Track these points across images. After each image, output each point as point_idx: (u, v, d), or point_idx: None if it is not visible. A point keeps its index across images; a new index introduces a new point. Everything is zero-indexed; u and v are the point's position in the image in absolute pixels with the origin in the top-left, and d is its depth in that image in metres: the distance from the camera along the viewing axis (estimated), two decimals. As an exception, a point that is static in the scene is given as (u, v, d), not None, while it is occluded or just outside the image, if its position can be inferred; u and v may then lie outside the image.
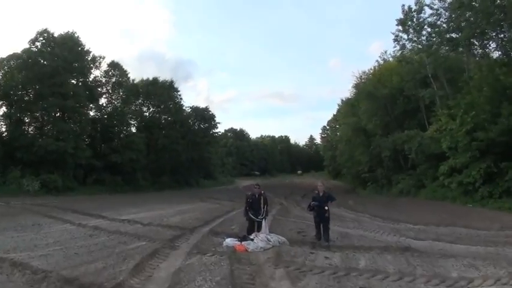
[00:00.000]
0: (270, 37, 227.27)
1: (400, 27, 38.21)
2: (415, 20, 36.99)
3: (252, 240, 12.81)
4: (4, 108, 37.81)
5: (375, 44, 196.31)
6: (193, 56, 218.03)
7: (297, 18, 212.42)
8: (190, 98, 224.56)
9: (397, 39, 38.82)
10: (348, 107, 54.98)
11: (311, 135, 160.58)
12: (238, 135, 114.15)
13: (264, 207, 13.71)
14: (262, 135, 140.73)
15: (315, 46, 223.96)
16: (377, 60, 50.37)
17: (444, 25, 33.41)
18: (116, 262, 10.16)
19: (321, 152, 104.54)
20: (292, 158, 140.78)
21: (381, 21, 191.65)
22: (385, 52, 67.82)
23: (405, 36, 38.32)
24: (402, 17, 37.88)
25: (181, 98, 60.40)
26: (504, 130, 23.61)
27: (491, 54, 29.73)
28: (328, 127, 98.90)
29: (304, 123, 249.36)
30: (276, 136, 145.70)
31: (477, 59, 31.20)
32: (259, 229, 13.44)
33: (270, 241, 12.80)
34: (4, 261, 9.64)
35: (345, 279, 9.12)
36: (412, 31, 37.49)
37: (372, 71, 50.28)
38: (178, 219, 19.38)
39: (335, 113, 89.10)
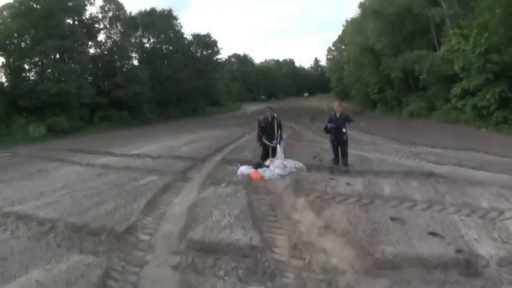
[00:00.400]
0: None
1: None
2: None
3: (268, 166, 12.47)
4: (2, 59, 36.50)
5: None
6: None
7: None
8: (191, 25, 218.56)
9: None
10: (354, 27, 52.89)
11: (316, 58, 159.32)
12: (242, 60, 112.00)
13: (278, 131, 13.38)
14: (266, 59, 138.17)
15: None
16: None
17: None
18: (126, 201, 9.78)
19: (327, 74, 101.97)
20: (298, 81, 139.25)
21: None
22: None
23: None
24: None
25: (181, 26, 58.42)
26: None
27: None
28: (333, 48, 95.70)
29: (308, 46, 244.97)
30: (281, 60, 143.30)
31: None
32: (273, 154, 13.21)
33: (286, 167, 12.53)
34: (8, 216, 9.04)
35: (372, 208, 8.78)
36: None
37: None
38: (188, 149, 18.96)
39: (340, 34, 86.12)
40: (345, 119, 12.88)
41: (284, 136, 22.10)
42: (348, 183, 10.89)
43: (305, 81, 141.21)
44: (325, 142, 18.82)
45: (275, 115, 13.57)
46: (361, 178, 11.53)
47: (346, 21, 73.65)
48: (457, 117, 29.08)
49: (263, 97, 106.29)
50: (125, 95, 42.88)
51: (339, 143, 12.89)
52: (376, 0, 42.78)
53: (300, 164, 12.96)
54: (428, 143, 18.84)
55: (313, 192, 9.99)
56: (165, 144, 21.61)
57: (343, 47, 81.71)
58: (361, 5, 49.40)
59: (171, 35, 56.23)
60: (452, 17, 32.53)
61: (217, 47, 62.39)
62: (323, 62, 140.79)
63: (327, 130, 13.13)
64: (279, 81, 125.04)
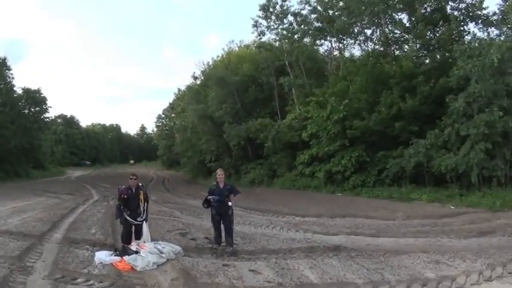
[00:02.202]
0: (106, 23, 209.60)
1: (261, 13, 35.95)
2: (278, 7, 35.15)
3: (137, 253, 9.26)
4: None
5: (211, 36, 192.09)
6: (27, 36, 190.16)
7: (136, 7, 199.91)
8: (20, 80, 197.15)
9: (256, 25, 36.69)
10: (191, 94, 51.03)
11: (142, 124, 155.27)
12: (68, 122, 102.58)
13: (144, 205, 10.27)
14: (93, 123, 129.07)
15: (151, 36, 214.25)
16: (223, 49, 48.54)
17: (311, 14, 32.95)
18: None
19: (155, 141, 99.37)
20: (123, 147, 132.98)
21: (215, 14, 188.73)
22: (232, 41, 70.82)
23: (265, 23, 36.34)
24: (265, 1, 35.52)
25: (13, 78, 50.54)
26: (384, 119, 22.63)
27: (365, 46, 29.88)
28: (163, 115, 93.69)
29: (135, 112, 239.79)
30: (107, 124, 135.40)
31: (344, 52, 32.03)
32: (138, 236, 10.14)
33: (162, 253, 9.38)
34: None
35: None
36: (274, 18, 35.60)
37: (219, 59, 48.32)
38: (18, 222, 14.66)
39: (171, 102, 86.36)
40: (230, 190, 10.74)
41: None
42: (253, 270, 8.41)
43: (130, 148, 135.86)
44: (177, 213, 17.50)
45: (140, 184, 10.51)
46: (263, 261, 9.20)
47: (179, 89, 74.19)
48: (305, 183, 28.22)
49: (88, 162, 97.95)
50: None
51: (223, 219, 10.54)
52: (219, 69, 41.94)
53: (178, 248, 9.98)
54: (295, 212, 17.02)
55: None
56: (-14, 214, 16.40)
57: (173, 115, 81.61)
58: (203, 73, 48.72)
59: (1, 86, 48.25)
60: (301, 86, 32.97)
61: (46, 104, 55.33)
62: (149, 129, 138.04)
63: (207, 203, 10.72)
64: (104, 146, 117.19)
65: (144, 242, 9.75)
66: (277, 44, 36.86)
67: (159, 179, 50.15)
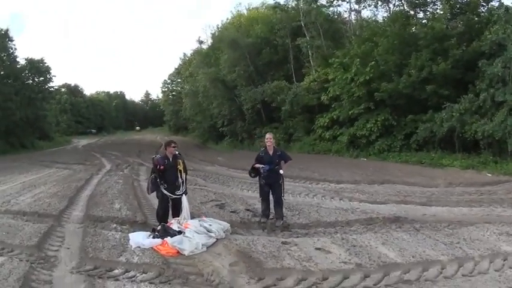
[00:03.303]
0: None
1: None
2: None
3: (181, 233, 7.90)
4: None
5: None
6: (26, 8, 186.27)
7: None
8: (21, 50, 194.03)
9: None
10: (201, 58, 49.79)
11: (147, 91, 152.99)
12: (73, 91, 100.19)
13: (183, 177, 8.93)
14: (97, 91, 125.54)
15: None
16: (231, 11, 46.80)
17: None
18: None
19: (161, 107, 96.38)
20: (128, 114, 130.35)
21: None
22: (240, 4, 72.21)
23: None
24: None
25: (15, 49, 48.29)
26: (414, 81, 21.26)
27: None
28: (169, 81, 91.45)
29: (139, 79, 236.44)
30: (111, 92, 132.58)
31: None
32: (176, 212, 8.79)
33: (210, 231, 8.02)
34: None
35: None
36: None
37: (228, 21, 46.86)
38: (31, 199, 12.92)
39: (177, 66, 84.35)
40: (281, 157, 9.38)
41: (143, 176, 17.69)
42: (319, 249, 7.29)
43: (135, 114, 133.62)
44: (201, 181, 16.17)
45: (177, 153, 9.09)
46: (325, 237, 8.10)
47: (184, 54, 73.65)
48: (325, 147, 27.45)
49: (93, 130, 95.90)
50: None
51: (273, 189, 9.30)
52: (230, 31, 40.42)
53: (226, 224, 8.64)
54: (328, 178, 15.93)
55: (290, 276, 6.11)
56: (-5, 190, 15.03)
57: (179, 80, 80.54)
58: (213, 36, 47.07)
59: (4, 57, 46.33)
60: (317, 48, 31.58)
61: (49, 73, 53.29)
62: (154, 96, 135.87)
63: (254, 173, 9.48)
64: (109, 114, 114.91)
65: (185, 219, 8.50)
66: (293, 4, 35.30)
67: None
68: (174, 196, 8.67)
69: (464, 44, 20.51)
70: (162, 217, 8.73)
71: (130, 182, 16.43)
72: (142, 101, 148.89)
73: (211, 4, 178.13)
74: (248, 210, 10.57)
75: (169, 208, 8.84)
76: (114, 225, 9.45)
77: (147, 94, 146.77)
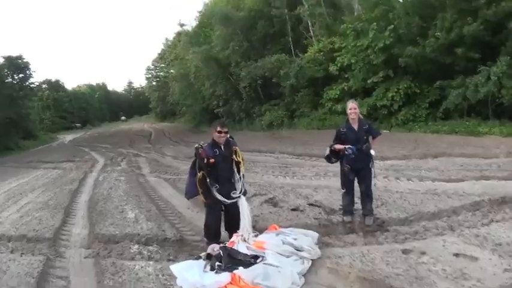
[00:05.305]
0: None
1: None
2: None
3: (257, 258, 5.31)
4: None
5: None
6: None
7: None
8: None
9: None
10: (188, 38, 46.74)
11: (129, 80, 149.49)
12: (54, 87, 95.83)
13: (241, 172, 6.47)
14: (79, 85, 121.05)
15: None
16: None
17: None
18: None
19: (147, 94, 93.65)
20: (112, 105, 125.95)
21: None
22: None
23: None
24: None
25: None
26: (442, 44, 18.91)
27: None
28: (153, 67, 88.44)
29: (121, 69, 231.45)
30: (94, 84, 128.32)
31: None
32: (232, 222, 6.35)
33: (301, 250, 5.45)
34: None
35: None
36: None
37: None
38: (16, 215, 10.08)
39: (160, 52, 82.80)
40: (368, 131, 7.01)
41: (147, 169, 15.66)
42: (457, 254, 5.41)
43: (119, 105, 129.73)
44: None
45: (231, 137, 6.60)
46: (450, 235, 6.11)
47: (166, 39, 72.75)
48: (338, 121, 24.01)
49: (78, 125, 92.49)
50: None
51: (360, 176, 7.03)
52: (221, 6, 37.46)
53: (313, 234, 6.14)
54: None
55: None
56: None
57: (162, 65, 79.60)
58: (201, 14, 44.09)
59: None
60: (319, 16, 29.08)
61: (29, 69, 49.83)
62: (136, 84, 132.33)
63: (335, 156, 7.11)
64: (93, 106, 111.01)
65: (249, 232, 5.92)
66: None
67: (158, 132, 46.24)
68: (229, 201, 6.21)
69: (493, 4, 18.17)
70: (215, 233, 6.37)
71: (134, 179, 13.95)
72: (125, 90, 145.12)
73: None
74: (312, 205, 8.24)
75: (221, 218, 6.47)
76: (136, 246, 6.84)
77: (130, 83, 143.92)
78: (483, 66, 17.43)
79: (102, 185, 13.22)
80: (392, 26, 20.88)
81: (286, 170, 12.27)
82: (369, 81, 22.30)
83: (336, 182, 7.83)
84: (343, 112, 23.93)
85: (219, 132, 6.27)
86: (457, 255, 5.34)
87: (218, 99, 39.83)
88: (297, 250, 5.43)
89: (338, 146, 6.88)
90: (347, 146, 6.68)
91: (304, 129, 26.81)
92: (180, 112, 59.31)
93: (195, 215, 8.14)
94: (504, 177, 9.26)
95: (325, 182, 10.27)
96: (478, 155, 12.31)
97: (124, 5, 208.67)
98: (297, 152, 16.56)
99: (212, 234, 6.32)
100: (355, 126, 6.84)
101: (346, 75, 24.43)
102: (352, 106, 6.90)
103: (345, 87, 24.29)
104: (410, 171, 10.71)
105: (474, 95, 17.48)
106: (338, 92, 24.85)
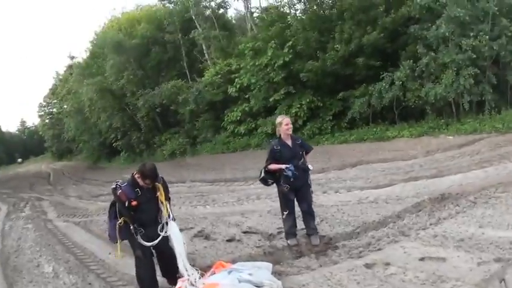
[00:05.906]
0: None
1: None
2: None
3: None
4: None
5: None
6: None
7: None
8: None
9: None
10: (80, 70, 43.08)
11: (22, 119, 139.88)
12: None
13: (166, 206, 5.44)
14: None
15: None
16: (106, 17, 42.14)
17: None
18: None
19: (41, 132, 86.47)
20: (7, 147, 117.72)
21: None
22: (114, 9, 66.94)
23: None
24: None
25: None
26: (342, 56, 19.20)
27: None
28: (45, 103, 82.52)
29: (12, 107, 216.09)
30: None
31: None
32: (169, 265, 5.45)
33: (258, 286, 4.59)
34: None
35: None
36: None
37: (107, 25, 41.23)
38: None
39: (51, 87, 75.31)
40: (303, 146, 6.53)
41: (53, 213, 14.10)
42: (423, 259, 5.21)
43: (15, 147, 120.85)
44: None
45: (160, 176, 5.48)
46: (407, 241, 5.87)
47: (57, 72, 68.01)
48: (242, 143, 24.26)
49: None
50: None
51: (299, 195, 6.46)
52: (113, 34, 35.45)
53: (266, 264, 5.38)
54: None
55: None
56: None
57: (54, 101, 73.02)
58: (93, 44, 41.70)
59: None
60: (213, 39, 28.71)
61: None
62: (30, 123, 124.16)
63: (272, 178, 6.41)
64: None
65: (193, 272, 4.99)
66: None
67: (57, 172, 42.35)
68: (158, 239, 5.24)
69: (391, 11, 18.86)
70: (149, 283, 5.30)
71: (42, 226, 12.27)
72: (18, 130, 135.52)
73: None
74: (247, 232, 7.54)
75: (153, 262, 5.43)
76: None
77: (23, 122, 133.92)
78: (386, 73, 17.78)
79: (10, 235, 11.55)
80: (291, 42, 20.87)
81: (204, 199, 11.62)
82: (270, 100, 21.91)
83: (261, 204, 8.08)
84: (246, 134, 23.48)
85: (146, 183, 5.15)
86: (422, 259, 5.13)
87: (116, 132, 37.42)
88: (257, 287, 4.64)
89: (273, 166, 6.24)
90: (284, 166, 6.08)
91: (209, 154, 25.74)
92: (77, 149, 55.93)
93: (119, 261, 6.74)
94: (432, 175, 9.42)
95: (251, 207, 9.63)
96: (396, 158, 12.65)
97: (11, 39, 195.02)
98: (209, 178, 15.83)
99: (147, 285, 5.31)
100: (289, 142, 6.31)
101: (246, 96, 23.91)
102: (287, 121, 6.39)
103: (246, 108, 23.74)
104: (335, 183, 10.50)
105: (379, 101, 17.84)
106: (239, 114, 24.26)
